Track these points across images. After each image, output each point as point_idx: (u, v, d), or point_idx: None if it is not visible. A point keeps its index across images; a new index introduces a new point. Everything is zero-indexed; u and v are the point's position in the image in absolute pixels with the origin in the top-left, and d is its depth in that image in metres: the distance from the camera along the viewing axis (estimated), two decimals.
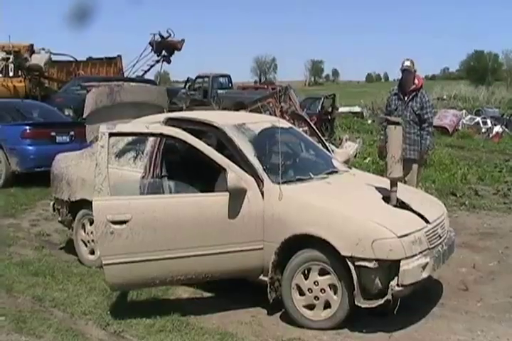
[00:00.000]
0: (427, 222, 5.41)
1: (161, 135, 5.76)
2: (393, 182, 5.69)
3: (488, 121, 26.08)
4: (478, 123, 26.33)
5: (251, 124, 6.19)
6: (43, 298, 5.84)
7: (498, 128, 24.66)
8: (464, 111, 29.66)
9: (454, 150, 18.06)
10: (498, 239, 8.21)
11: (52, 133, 11.70)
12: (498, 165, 14.90)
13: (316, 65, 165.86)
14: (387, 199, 5.63)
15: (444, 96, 41.87)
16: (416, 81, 8.07)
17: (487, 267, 6.95)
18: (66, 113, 16.09)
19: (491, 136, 24.01)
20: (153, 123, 5.95)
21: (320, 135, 7.52)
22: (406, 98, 8.06)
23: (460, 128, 26.07)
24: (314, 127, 7.84)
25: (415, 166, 8.06)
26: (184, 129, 5.67)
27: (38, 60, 21.67)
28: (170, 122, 6.09)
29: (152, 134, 5.83)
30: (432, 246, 5.33)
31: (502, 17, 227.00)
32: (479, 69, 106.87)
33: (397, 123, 5.83)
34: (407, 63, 7.94)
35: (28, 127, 11.59)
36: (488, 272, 6.79)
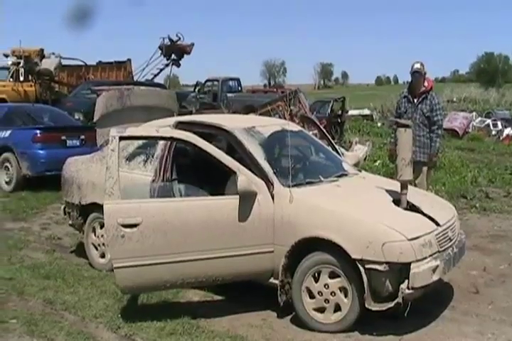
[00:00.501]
0: (437, 224, 5.40)
1: (172, 138, 5.77)
2: (403, 185, 5.68)
3: (499, 124, 26.01)
4: (488, 125, 26.27)
5: (261, 127, 6.19)
6: (54, 301, 5.87)
7: (508, 131, 24.60)
8: (474, 113, 29.62)
9: (464, 152, 18.01)
10: (509, 241, 8.18)
11: (63, 137, 11.75)
12: (509, 167, 14.84)
13: (325, 67, 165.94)
14: (397, 202, 5.62)
15: (454, 99, 41.80)
16: (426, 83, 8.07)
17: (498, 270, 6.93)
18: (76, 117, 16.19)
19: (501, 138, 23.96)
20: (163, 127, 5.97)
21: (330, 138, 7.52)
22: (416, 100, 8.05)
23: (470, 130, 26.00)
24: (324, 130, 7.83)
25: (425, 169, 8.05)
26: (194, 133, 5.68)
27: (48, 64, 21.81)
28: (180, 126, 6.11)
29: (162, 138, 5.84)
30: (443, 248, 5.31)
31: None
32: (489, 71, 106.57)
33: (407, 126, 5.83)
34: (417, 66, 7.94)
35: (38, 131, 11.63)
36: (499, 275, 6.77)
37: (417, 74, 8.00)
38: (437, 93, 8.70)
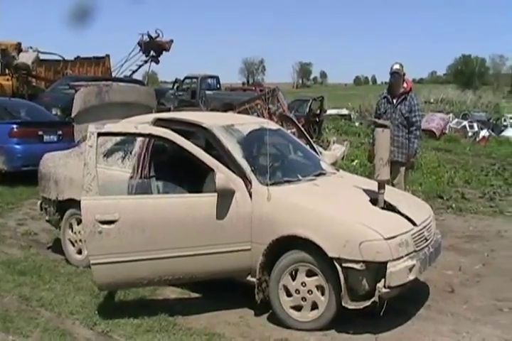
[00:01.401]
0: (414, 224, 5.44)
1: (150, 135, 5.75)
2: (381, 185, 5.72)
3: (475, 125, 26.24)
4: (465, 127, 26.48)
5: (239, 126, 6.20)
6: (30, 297, 5.82)
7: (484, 132, 24.84)
8: (451, 114, 29.82)
9: (441, 153, 18.15)
10: (484, 241, 8.27)
11: (40, 133, 11.69)
12: (485, 168, 15.02)
13: (304, 67, 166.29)
14: (374, 201, 5.66)
15: (432, 100, 42.05)
16: (405, 84, 8.11)
17: (473, 270, 7.00)
18: (54, 112, 16.02)
19: (477, 139, 24.18)
20: (141, 124, 5.94)
21: (308, 137, 7.54)
22: (395, 101, 8.10)
23: (447, 131, 26.20)
24: (302, 129, 7.85)
25: (403, 169, 8.09)
26: (173, 130, 5.67)
27: (25, 58, 21.56)
28: (158, 123, 6.08)
29: (141, 134, 5.82)
30: (419, 248, 5.36)
31: (489, 22, 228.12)
32: (466, 73, 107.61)
33: (385, 126, 5.87)
34: (397, 66, 7.98)
35: (15, 126, 11.56)
36: (474, 274, 6.84)
37: (396, 75, 8.04)
38: (416, 94, 8.75)
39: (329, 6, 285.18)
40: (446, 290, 6.29)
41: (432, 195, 11.08)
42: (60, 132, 11.79)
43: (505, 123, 27.90)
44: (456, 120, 27.97)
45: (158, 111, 8.21)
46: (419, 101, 8.55)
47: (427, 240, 5.57)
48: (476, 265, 7.18)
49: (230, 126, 6.09)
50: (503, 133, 25.66)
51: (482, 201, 11.18)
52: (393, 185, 7.35)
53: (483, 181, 13.17)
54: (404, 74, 8.09)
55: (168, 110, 18.30)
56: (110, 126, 5.58)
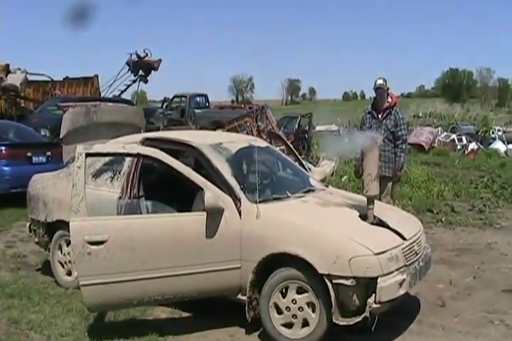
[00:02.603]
0: (403, 238, 5.44)
1: (138, 155, 5.76)
2: (370, 200, 5.72)
3: (464, 138, 26.31)
4: (453, 140, 26.54)
5: (228, 144, 6.21)
6: (19, 320, 5.78)
7: (473, 145, 24.91)
8: (439, 128, 29.89)
9: (430, 167, 18.16)
10: (474, 254, 8.29)
11: (29, 154, 11.66)
12: (474, 181, 15.05)
13: (293, 83, 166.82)
14: (364, 216, 5.66)
15: (420, 114, 42.16)
16: (389, 99, 8.17)
17: (463, 283, 7.01)
18: (42, 133, 15.99)
19: (466, 152, 24.24)
20: (130, 144, 5.95)
21: (297, 153, 7.56)
22: (380, 116, 8.15)
23: (436, 145, 26.27)
24: (291, 146, 7.88)
25: (390, 183, 8.12)
26: (161, 149, 5.68)
27: (14, 79, 21.54)
28: (147, 142, 6.10)
29: (129, 154, 5.82)
30: (409, 262, 5.36)
31: (476, 35, 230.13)
32: (454, 86, 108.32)
33: (373, 141, 5.88)
34: (380, 81, 8.05)
35: (3, 147, 11.53)
36: (465, 288, 6.85)
37: (380, 90, 8.10)
38: (402, 108, 8.80)
39: (318, 21, 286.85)
40: (437, 303, 6.30)
41: (421, 208, 11.11)
42: (49, 153, 11.77)
43: (493, 136, 28.00)
44: (444, 133, 28.04)
45: (147, 131, 8.23)
46: (403, 115, 8.60)
47: (417, 254, 5.57)
48: (466, 278, 7.19)
49: (218, 144, 6.10)
50: (492, 146, 25.74)
51: (471, 214, 11.22)
52: (381, 200, 7.36)
53: (472, 194, 13.22)
54: (388, 89, 8.15)
55: (158, 129, 18.35)
56: (98, 147, 5.58)
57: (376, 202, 5.88)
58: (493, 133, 28.33)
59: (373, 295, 4.93)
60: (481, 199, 12.49)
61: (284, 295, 5.21)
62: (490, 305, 6.26)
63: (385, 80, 8.07)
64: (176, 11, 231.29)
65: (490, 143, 26.21)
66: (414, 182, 13.75)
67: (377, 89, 8.08)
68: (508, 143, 25.24)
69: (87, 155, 5.38)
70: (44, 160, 11.80)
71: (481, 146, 25.34)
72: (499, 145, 25.33)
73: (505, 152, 24.32)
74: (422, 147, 24.65)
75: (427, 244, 6.16)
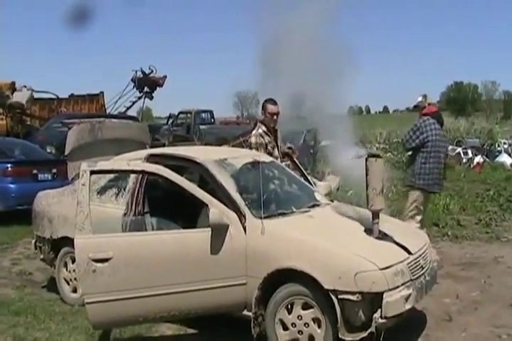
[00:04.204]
0: (409, 253, 5.43)
1: (143, 172, 5.78)
2: (375, 214, 5.71)
3: (469, 152, 26.23)
4: (459, 153, 26.47)
5: (232, 159, 6.22)
6: (25, 338, 5.77)
7: (479, 159, 24.82)
8: None
9: None
10: (481, 268, 8.25)
11: (34, 171, 11.72)
12: (480, 194, 15.01)
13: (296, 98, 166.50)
14: (369, 231, 5.65)
15: None
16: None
17: (470, 297, 6.97)
18: (48, 150, 16.07)
19: (472, 166, 24.15)
20: (134, 160, 5.97)
21: (302, 168, 7.56)
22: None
23: None
24: (296, 161, 7.87)
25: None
26: (166, 165, 5.69)
27: (19, 97, 21.67)
28: (151, 159, 6.11)
29: (134, 171, 5.84)
30: (415, 277, 5.33)
31: (480, 47, 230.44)
32: (459, 100, 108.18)
33: (378, 156, 5.86)
34: (419, 99, 8.26)
35: (9, 165, 11.58)
36: (472, 302, 6.81)
37: (416, 109, 8.30)
38: (408, 122, 8.95)
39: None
40: (443, 318, 6.26)
41: (427, 222, 11.06)
42: (54, 170, 11.82)
43: (499, 149, 27.93)
44: (450, 147, 27.98)
45: (152, 147, 8.25)
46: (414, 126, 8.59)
47: (423, 268, 5.55)
48: (473, 292, 7.15)
49: (223, 160, 6.11)
50: (498, 159, 25.66)
51: (478, 227, 11.18)
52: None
53: (478, 207, 13.18)
54: (428, 105, 8.38)
55: (163, 145, 18.38)
56: (103, 164, 5.60)
57: (382, 216, 5.87)
58: (498, 146, 28.25)
59: (379, 310, 4.90)
60: (488, 213, 12.45)
61: (289, 311, 5.20)
62: (497, 320, 6.22)
63: (424, 96, 8.15)
64: (180, 31, 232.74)
65: (496, 156, 26.12)
66: None
67: (414, 107, 8.22)
68: None
69: (92, 172, 5.39)
70: (49, 177, 11.85)
71: (487, 159, 25.27)
72: (505, 159, 25.24)
73: (511, 165, 24.25)
74: None
75: (436, 257, 6.14)
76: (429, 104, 8.23)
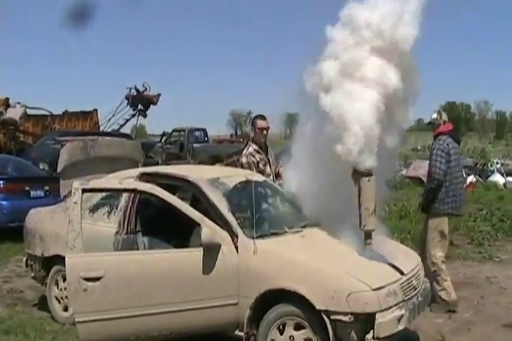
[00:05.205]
0: (401, 273, 5.42)
1: (135, 191, 5.76)
2: (367, 235, 5.69)
3: (463, 171, 26.33)
4: None
5: (225, 178, 6.22)
6: None
7: (471, 178, 24.84)
8: None
9: None
10: (474, 288, 8.23)
11: (27, 188, 11.68)
12: (473, 214, 14.97)
13: (291, 117, 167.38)
14: (361, 251, 5.63)
15: (419, 147, 42.39)
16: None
17: (463, 317, 6.95)
18: (41, 167, 16.08)
19: (465, 185, 24.20)
20: (127, 179, 5.96)
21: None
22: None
23: None
24: None
25: None
26: (158, 184, 5.69)
27: (13, 113, 21.70)
28: (144, 177, 6.10)
29: (126, 190, 5.83)
30: (407, 297, 5.32)
31: (473, 67, 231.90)
32: (452, 119, 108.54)
33: (370, 174, 5.74)
34: (434, 116, 7.53)
35: (1, 182, 11.56)
36: (465, 322, 6.79)
37: (429, 126, 7.76)
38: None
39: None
40: (436, 338, 6.25)
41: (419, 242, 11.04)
42: (47, 187, 11.79)
43: (491, 169, 27.98)
44: None
45: (145, 165, 8.25)
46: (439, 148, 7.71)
47: (415, 289, 5.54)
48: (466, 312, 7.13)
49: (215, 179, 6.11)
50: (490, 178, 25.71)
51: (471, 247, 11.17)
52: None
53: (471, 227, 13.14)
54: (444, 122, 7.67)
55: (156, 163, 18.37)
56: (95, 182, 5.60)
57: (374, 235, 5.85)
58: (491, 165, 28.32)
59: (371, 331, 4.89)
60: (480, 233, 12.41)
61: (281, 332, 5.17)
62: (490, 340, 6.20)
63: (439, 113, 7.73)
64: (175, 46, 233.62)
65: (488, 176, 26.18)
66: (413, 215, 13.70)
67: (428, 124, 7.75)
68: (507, 176, 25.25)
69: (84, 190, 5.38)
70: (42, 194, 11.81)
71: (480, 179, 25.32)
72: (497, 178, 25.30)
73: (504, 184, 24.30)
74: (421, 180, 24.62)
75: (425, 279, 6.12)
76: (444, 122, 7.73)
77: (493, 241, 11.73)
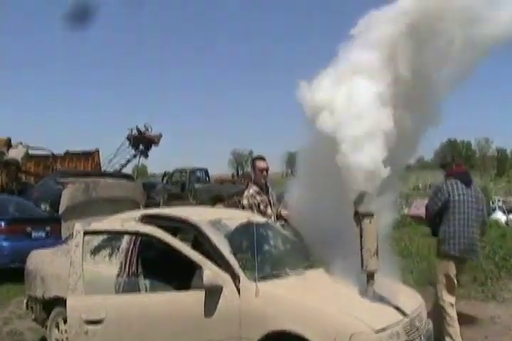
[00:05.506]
0: (404, 314, 5.39)
1: (137, 233, 5.78)
2: (370, 276, 5.68)
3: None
4: None
5: (227, 220, 6.23)
6: None
7: None
8: None
9: (430, 239, 18.07)
10: (478, 328, 8.17)
11: (28, 229, 11.69)
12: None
13: (292, 156, 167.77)
14: (364, 292, 5.61)
15: (420, 186, 42.33)
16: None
17: None
18: (43, 207, 16.08)
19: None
20: (128, 221, 5.97)
21: (297, 229, 7.53)
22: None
23: None
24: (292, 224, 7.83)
25: None
26: (160, 226, 5.70)
27: (15, 154, 21.82)
28: (145, 219, 6.11)
29: (127, 232, 5.85)
30: (410, 339, 5.29)
31: (473, 104, 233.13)
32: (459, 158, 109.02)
33: (371, 216, 5.76)
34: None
35: (3, 222, 11.56)
36: None
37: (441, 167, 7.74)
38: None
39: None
40: None
41: (422, 282, 10.97)
42: (48, 228, 11.78)
43: (493, 206, 27.94)
44: None
45: (147, 206, 8.26)
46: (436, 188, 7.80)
47: (418, 330, 5.51)
48: None
49: (217, 220, 6.12)
50: (492, 216, 25.67)
51: (474, 286, 11.07)
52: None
53: (474, 266, 13.07)
54: (455, 165, 7.62)
55: (158, 204, 18.38)
56: (96, 225, 5.61)
57: (376, 277, 5.83)
58: (493, 203, 28.29)
59: None
60: (483, 271, 12.35)
61: None
62: None
63: (451, 156, 7.69)
64: (176, 87, 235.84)
65: (490, 214, 26.15)
66: (415, 255, 13.65)
67: (441, 166, 7.72)
68: (509, 213, 25.21)
69: (85, 233, 5.39)
70: (43, 235, 11.80)
71: None
72: (499, 216, 25.25)
73: (506, 222, 24.25)
74: (423, 219, 24.56)
75: (428, 319, 6.08)
76: (456, 165, 7.65)
77: (496, 280, 11.62)
